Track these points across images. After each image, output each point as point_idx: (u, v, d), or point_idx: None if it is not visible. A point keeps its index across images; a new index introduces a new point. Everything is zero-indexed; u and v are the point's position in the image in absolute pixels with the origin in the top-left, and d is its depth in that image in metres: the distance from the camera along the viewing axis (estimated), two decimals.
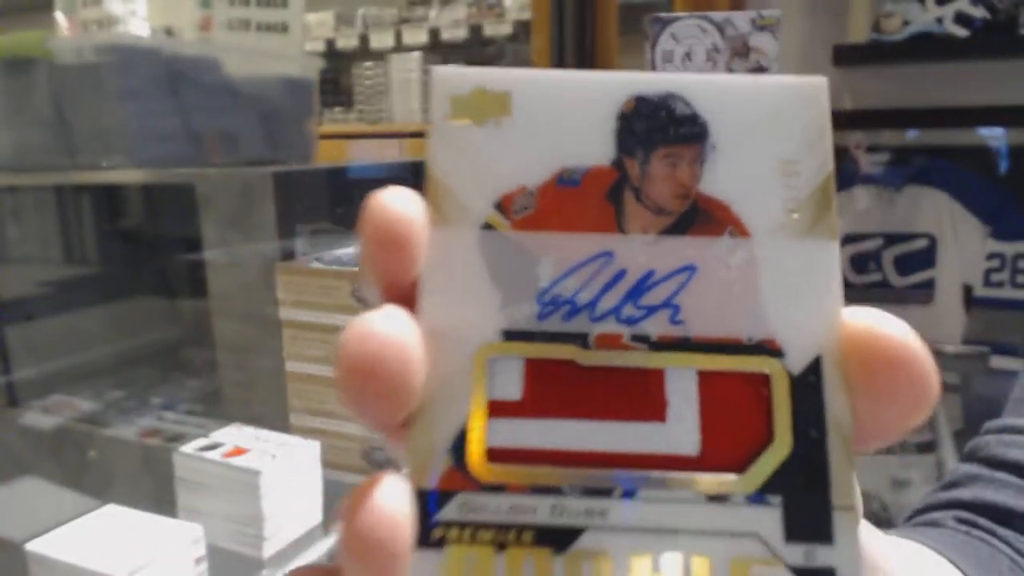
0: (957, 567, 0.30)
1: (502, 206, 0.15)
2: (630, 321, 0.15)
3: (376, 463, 0.72)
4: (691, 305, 0.15)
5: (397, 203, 0.14)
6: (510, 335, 0.15)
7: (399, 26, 2.95)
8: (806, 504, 0.14)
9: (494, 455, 0.14)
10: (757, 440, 0.14)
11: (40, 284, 1.13)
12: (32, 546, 0.51)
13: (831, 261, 0.15)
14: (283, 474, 0.63)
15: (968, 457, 0.38)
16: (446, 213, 0.15)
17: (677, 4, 1.62)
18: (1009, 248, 1.59)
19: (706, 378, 0.14)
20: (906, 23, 1.49)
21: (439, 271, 0.15)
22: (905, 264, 1.65)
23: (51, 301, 1.12)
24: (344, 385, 0.14)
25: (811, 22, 1.76)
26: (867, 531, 0.18)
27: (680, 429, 0.14)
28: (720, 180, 0.15)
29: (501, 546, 0.14)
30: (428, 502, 0.14)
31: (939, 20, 1.47)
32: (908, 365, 0.14)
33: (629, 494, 0.14)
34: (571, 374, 0.14)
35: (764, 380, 0.14)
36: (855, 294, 1.69)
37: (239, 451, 0.64)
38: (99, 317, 1.16)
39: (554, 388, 0.14)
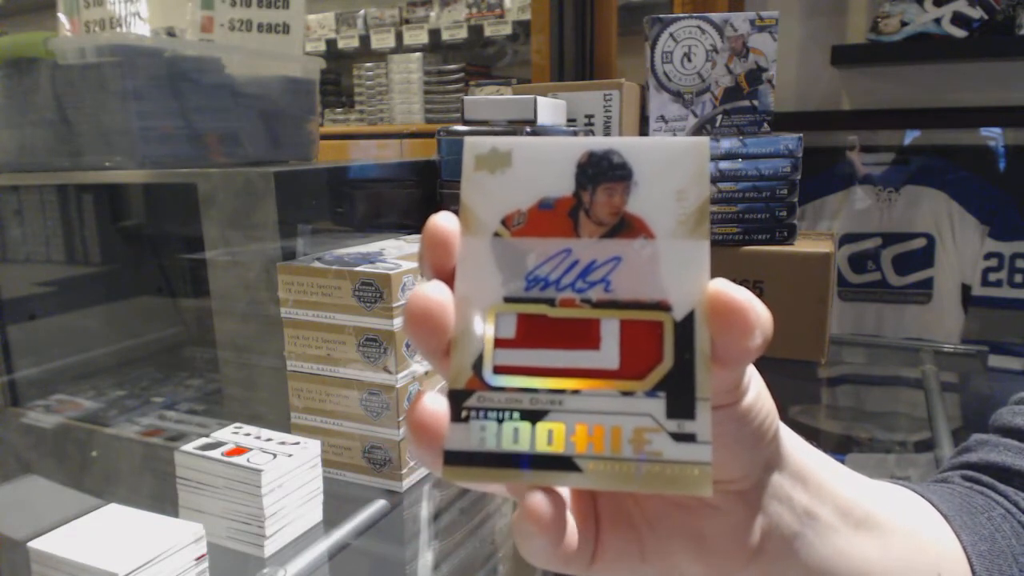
0: (936, 507, 0.35)
1: (505, 222, 0.23)
2: (580, 290, 0.23)
3: (376, 463, 0.72)
4: (617, 280, 0.23)
5: (442, 221, 0.23)
6: (508, 299, 0.23)
7: (400, 27, 2.95)
8: (680, 397, 0.22)
9: (498, 369, 0.22)
10: (653, 360, 0.22)
11: (42, 283, 1.14)
12: (35, 544, 0.52)
13: (704, 253, 0.22)
14: (284, 473, 0.63)
15: (988, 428, 0.44)
16: (471, 227, 0.23)
17: (677, 5, 1.62)
18: (1007, 248, 1.59)
19: (624, 324, 0.22)
20: (904, 24, 1.49)
21: (467, 261, 0.23)
22: (904, 263, 1.66)
23: (53, 300, 1.13)
24: (409, 326, 0.22)
25: (809, 23, 1.76)
26: (795, 443, 0.29)
27: (608, 354, 0.22)
28: (638, 203, 0.23)
29: (500, 420, 0.22)
30: (459, 396, 0.22)
31: (937, 21, 1.47)
32: (739, 311, 0.21)
33: (575, 392, 0.22)
34: (544, 322, 0.23)
35: (659, 325, 0.22)
36: (854, 293, 1.69)
37: (240, 450, 0.64)
38: (101, 316, 1.16)
39: (534, 330, 0.23)
